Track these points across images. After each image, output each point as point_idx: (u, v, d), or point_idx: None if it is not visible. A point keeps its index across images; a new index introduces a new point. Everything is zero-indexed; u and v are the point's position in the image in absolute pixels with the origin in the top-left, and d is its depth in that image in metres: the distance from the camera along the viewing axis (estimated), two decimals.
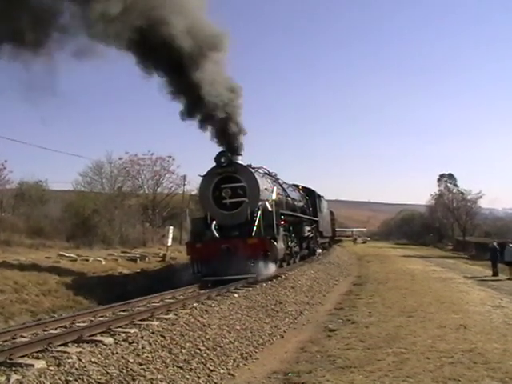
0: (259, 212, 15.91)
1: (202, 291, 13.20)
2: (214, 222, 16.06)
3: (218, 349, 8.36)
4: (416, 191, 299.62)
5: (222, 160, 16.35)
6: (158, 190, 41.86)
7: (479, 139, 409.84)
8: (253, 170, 17.07)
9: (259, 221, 15.72)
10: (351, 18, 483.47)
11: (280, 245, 16.22)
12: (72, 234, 27.27)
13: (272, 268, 15.92)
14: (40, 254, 20.46)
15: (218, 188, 16.53)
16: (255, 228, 15.61)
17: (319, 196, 30.70)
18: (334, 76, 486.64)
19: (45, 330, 8.69)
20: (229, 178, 16.49)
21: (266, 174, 19.15)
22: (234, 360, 8.17)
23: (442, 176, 76.31)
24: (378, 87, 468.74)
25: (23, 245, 22.49)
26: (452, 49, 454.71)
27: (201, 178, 17.16)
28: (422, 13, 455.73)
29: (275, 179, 20.01)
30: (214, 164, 16.63)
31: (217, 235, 15.91)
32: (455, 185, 74.35)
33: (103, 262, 20.22)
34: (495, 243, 25.71)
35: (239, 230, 16.01)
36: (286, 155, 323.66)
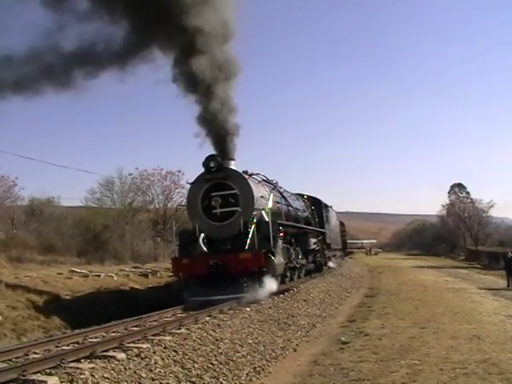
0: (254, 223, 14.33)
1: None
2: (202, 235, 14.42)
3: (231, 363, 8.35)
4: (426, 202, 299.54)
5: (211, 165, 14.62)
6: (169, 204, 41.88)
7: (489, 148, 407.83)
8: (246, 176, 15.32)
9: (254, 233, 14.13)
10: (360, 28, 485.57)
11: (278, 259, 14.56)
12: (83, 249, 27.31)
13: (272, 285, 14.26)
14: (52, 270, 20.51)
15: (208, 196, 14.79)
16: (249, 241, 13.98)
17: (326, 206, 29.23)
18: (343, 86, 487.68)
19: (57, 346, 8.72)
20: (219, 185, 14.75)
21: (264, 181, 17.29)
22: (247, 374, 8.16)
23: (452, 187, 77.66)
24: (387, 98, 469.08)
25: (35, 261, 22.53)
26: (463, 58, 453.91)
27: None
28: (425, 19, 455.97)
29: (274, 187, 18.15)
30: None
31: (205, 249, 14.24)
32: (467, 193, 74.79)
33: (115, 278, 20.25)
34: (511, 253, 25.32)
35: (231, 244, 14.40)
36: (294, 168, 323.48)
